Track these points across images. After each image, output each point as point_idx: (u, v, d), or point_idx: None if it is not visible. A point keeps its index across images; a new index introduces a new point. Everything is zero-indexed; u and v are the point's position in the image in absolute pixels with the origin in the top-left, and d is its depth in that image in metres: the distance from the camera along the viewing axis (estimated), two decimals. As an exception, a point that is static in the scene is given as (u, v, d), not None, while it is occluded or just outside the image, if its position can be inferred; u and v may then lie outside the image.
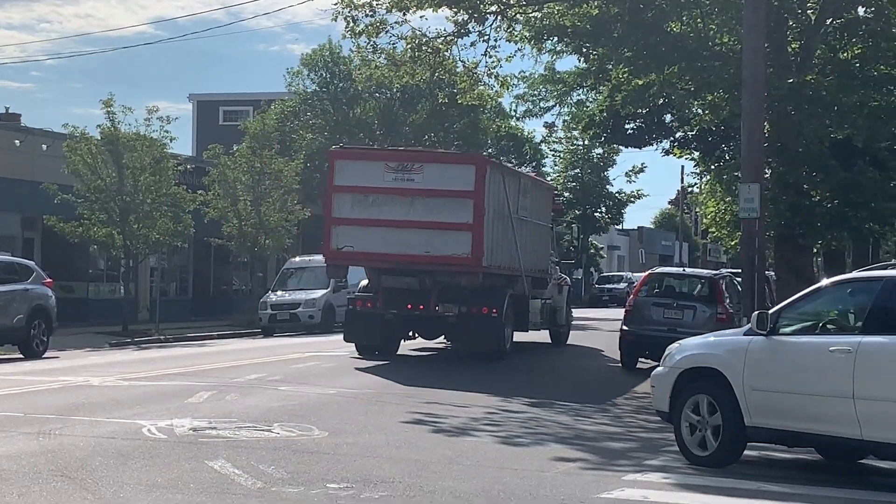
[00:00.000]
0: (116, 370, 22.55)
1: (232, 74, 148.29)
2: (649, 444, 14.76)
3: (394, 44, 27.04)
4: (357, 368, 23.72)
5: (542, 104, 50.96)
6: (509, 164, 36.12)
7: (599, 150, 76.08)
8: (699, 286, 26.99)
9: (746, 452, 13.24)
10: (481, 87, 28.58)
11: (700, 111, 26.79)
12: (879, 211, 24.80)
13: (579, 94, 44.11)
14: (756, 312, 12.89)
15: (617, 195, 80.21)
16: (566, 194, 76.90)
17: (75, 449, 12.84)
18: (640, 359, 26.06)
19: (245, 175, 44.09)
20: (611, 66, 26.00)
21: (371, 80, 47.37)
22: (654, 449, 14.35)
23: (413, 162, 25.10)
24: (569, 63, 61.32)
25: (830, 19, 25.67)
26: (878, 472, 13.06)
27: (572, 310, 33.81)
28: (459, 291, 24.89)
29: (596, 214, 80.00)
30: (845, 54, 25.53)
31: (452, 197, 24.54)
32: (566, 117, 47.56)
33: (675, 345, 14.12)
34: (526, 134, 62.91)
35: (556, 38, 24.61)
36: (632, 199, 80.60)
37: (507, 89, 28.47)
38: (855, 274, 13.34)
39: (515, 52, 27.07)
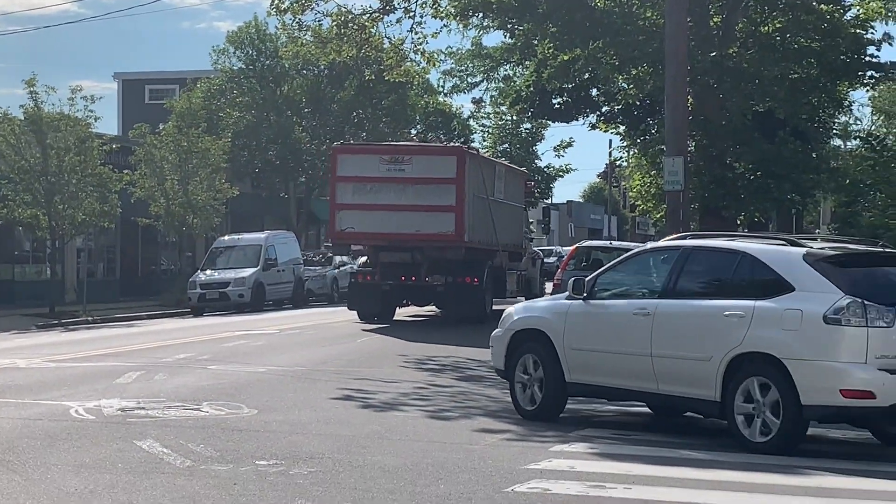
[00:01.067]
0: (44, 352, 22.40)
1: (158, 53, 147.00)
2: (576, 416, 14.89)
3: (320, 21, 26.99)
4: (288, 346, 23.73)
5: (469, 80, 51.06)
6: (486, 155, 40.67)
7: (528, 125, 76.20)
8: (626, 259, 27.17)
9: (674, 420, 13.48)
10: (408, 64, 28.61)
11: (625, 86, 27.02)
12: (801, 182, 25.20)
13: (506, 70, 44.22)
14: (573, 279, 14.11)
15: (545, 169, 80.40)
16: (495, 169, 77.29)
17: (2, 431, 12.79)
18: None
19: (172, 154, 43.76)
20: (536, 42, 26.11)
21: (298, 58, 47.23)
22: (580, 420, 14.49)
23: (404, 154, 28.83)
24: (496, 38, 61.53)
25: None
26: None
27: (545, 280, 37.31)
28: (446, 264, 28.40)
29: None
30: (766, 28, 25.86)
31: (437, 183, 28.03)
32: (493, 92, 47.77)
33: (511, 308, 15.21)
34: (454, 109, 62.94)
35: (481, 14, 24.64)
36: (560, 174, 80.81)
37: (434, 66, 28.60)
38: (663, 242, 14.42)
39: (441, 27, 27.19)
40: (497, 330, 14.90)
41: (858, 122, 52.47)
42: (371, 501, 9.67)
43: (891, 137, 46.51)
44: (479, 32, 37.03)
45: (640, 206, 30.41)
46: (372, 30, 26.52)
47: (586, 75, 27.45)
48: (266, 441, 12.30)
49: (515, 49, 30.55)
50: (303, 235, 62.49)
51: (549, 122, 52.35)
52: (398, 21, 27.17)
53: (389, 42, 27.12)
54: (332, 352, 22.40)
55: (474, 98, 71.51)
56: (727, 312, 12.29)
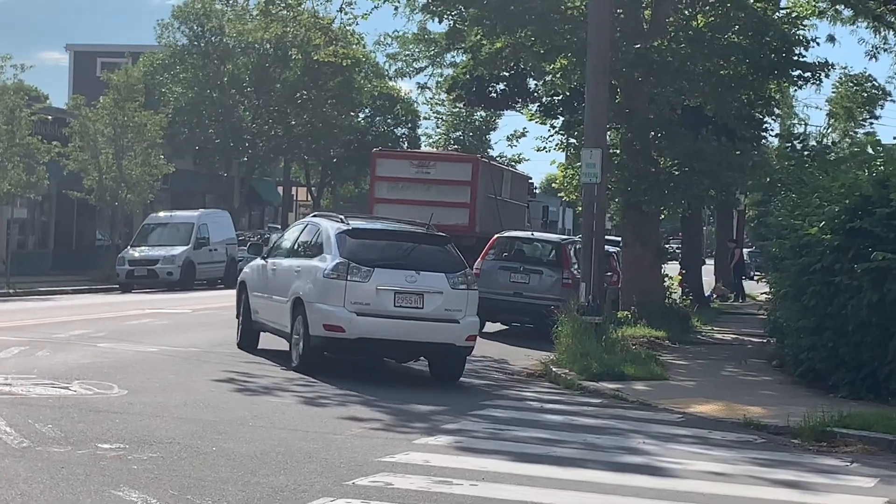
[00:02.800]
0: (-61, 323, 21.83)
1: (111, 25, 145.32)
2: (460, 407, 14.58)
3: (248, -2, 26.50)
4: (194, 326, 23.27)
5: (415, 64, 50.52)
6: (495, 161, 46.19)
7: (482, 113, 75.86)
8: (547, 251, 26.92)
9: (552, 418, 13.35)
10: (339, 46, 28.16)
11: (553, 76, 26.66)
12: (722, 179, 24.91)
13: (453, 56, 43.76)
14: (251, 243, 21.43)
15: (498, 158, 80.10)
16: (447, 157, 76.93)
17: None
18: (487, 322, 25.91)
19: (107, 128, 43.07)
20: (465, 28, 25.63)
21: (243, 36, 46.64)
22: (461, 412, 14.19)
23: (430, 160, 35.06)
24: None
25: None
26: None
27: None
28: (461, 250, 30.18)
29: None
30: (697, 22, 25.52)
31: (456, 185, 33.75)
32: (439, 78, 47.27)
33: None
34: (403, 94, 62.40)
35: (405, -5, 24.17)
36: (512, 164, 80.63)
37: (363, 46, 28.12)
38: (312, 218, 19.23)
39: (372, 9, 26.67)
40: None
41: (804, 123, 52.46)
42: (200, 490, 9.27)
43: (834, 137, 46.53)
44: (424, 15, 36.60)
45: (563, 196, 30.13)
46: (298, 8, 26.01)
47: (512, 64, 27.07)
48: (120, 424, 11.86)
49: (446, 35, 29.96)
50: (246, 215, 62.03)
51: (492, 111, 51.88)
52: (328, 0, 26.77)
53: (316, 21, 26.61)
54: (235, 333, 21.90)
55: (419, 83, 71.31)
56: (296, 268, 17.27)
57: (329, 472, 10.18)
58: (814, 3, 26.43)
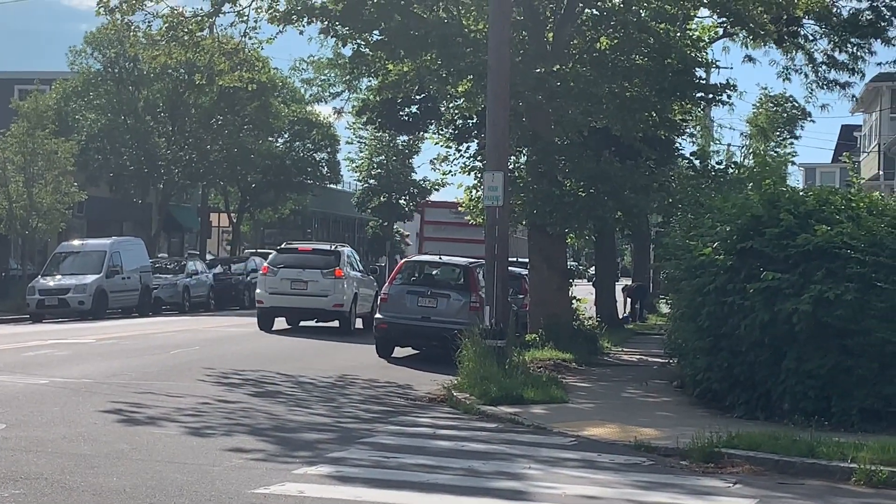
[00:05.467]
0: None
1: (32, 52, 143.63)
2: (348, 436, 14.39)
3: (150, 22, 26.16)
4: (93, 356, 22.87)
5: (331, 89, 50.34)
6: None
7: (404, 137, 75.69)
8: (455, 274, 26.81)
9: (441, 444, 13.22)
10: (243, 71, 27.88)
11: (458, 100, 26.62)
12: (626, 201, 24.97)
13: (369, 81, 43.66)
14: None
15: (421, 183, 79.97)
16: (371, 181, 76.70)
17: None
18: (396, 346, 25.78)
19: (17, 156, 42.42)
20: (368, 51, 25.51)
21: (156, 62, 45.99)
22: (348, 440, 14.00)
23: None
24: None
25: (584, 8, 25.69)
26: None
27: None
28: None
29: (401, 202, 79.81)
30: (600, 45, 25.62)
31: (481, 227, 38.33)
32: (355, 103, 47.13)
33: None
34: (322, 119, 62.04)
35: (305, 19, 23.96)
36: (436, 187, 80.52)
37: (268, 71, 27.89)
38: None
39: (277, 34, 26.45)
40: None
41: (719, 143, 52.91)
42: (57, 528, 9.03)
43: (749, 158, 46.98)
44: (336, 41, 36.41)
45: (468, 219, 30.11)
46: (200, 33, 25.73)
47: (417, 88, 27.01)
48: (-9, 459, 11.56)
49: (351, 59, 29.81)
50: (165, 242, 61.34)
51: (411, 134, 51.83)
52: (232, 24, 26.48)
53: (220, 47, 26.34)
54: (134, 363, 21.56)
55: (335, 108, 71.25)
56: None
57: (196, 506, 9.96)
58: (715, 27, 26.64)
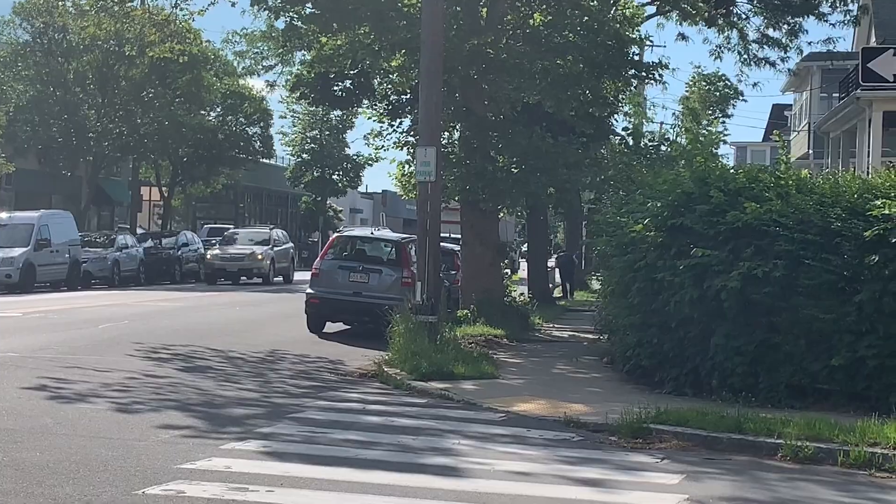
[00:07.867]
0: None
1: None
2: (278, 411, 14.30)
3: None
4: (19, 330, 22.57)
5: (263, 62, 49.75)
6: None
7: (338, 112, 75.33)
8: (387, 250, 26.74)
9: (371, 419, 13.04)
10: (174, 42, 27.60)
11: (392, 74, 26.49)
12: (558, 177, 25.00)
13: (303, 55, 43.19)
14: None
15: (355, 158, 79.75)
16: (304, 156, 76.35)
17: None
18: (327, 322, 25.69)
19: (-58, 127, 41.78)
20: (301, 24, 25.29)
21: (87, 33, 45.45)
22: (278, 415, 13.91)
23: None
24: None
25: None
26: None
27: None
28: None
29: (334, 177, 79.56)
30: (533, 21, 25.58)
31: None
32: (288, 77, 46.64)
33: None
34: (254, 93, 61.56)
35: (237, -9, 23.74)
36: (369, 163, 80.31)
37: (200, 43, 27.60)
38: None
39: (209, 5, 26.23)
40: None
41: (652, 121, 53.18)
42: (-23, 504, 8.88)
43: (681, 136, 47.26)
44: (269, 14, 36.02)
45: (401, 195, 30.01)
46: (131, 3, 25.44)
47: (350, 62, 26.82)
48: (-89, 434, 11.36)
49: (284, 31, 29.53)
50: (95, 215, 60.61)
51: (342, 109, 51.48)
52: (162, -4, 26.25)
53: (150, 17, 26.06)
54: (61, 337, 21.31)
55: (268, 81, 70.73)
56: None
57: (121, 482, 9.85)
58: (645, 4, 26.68)
